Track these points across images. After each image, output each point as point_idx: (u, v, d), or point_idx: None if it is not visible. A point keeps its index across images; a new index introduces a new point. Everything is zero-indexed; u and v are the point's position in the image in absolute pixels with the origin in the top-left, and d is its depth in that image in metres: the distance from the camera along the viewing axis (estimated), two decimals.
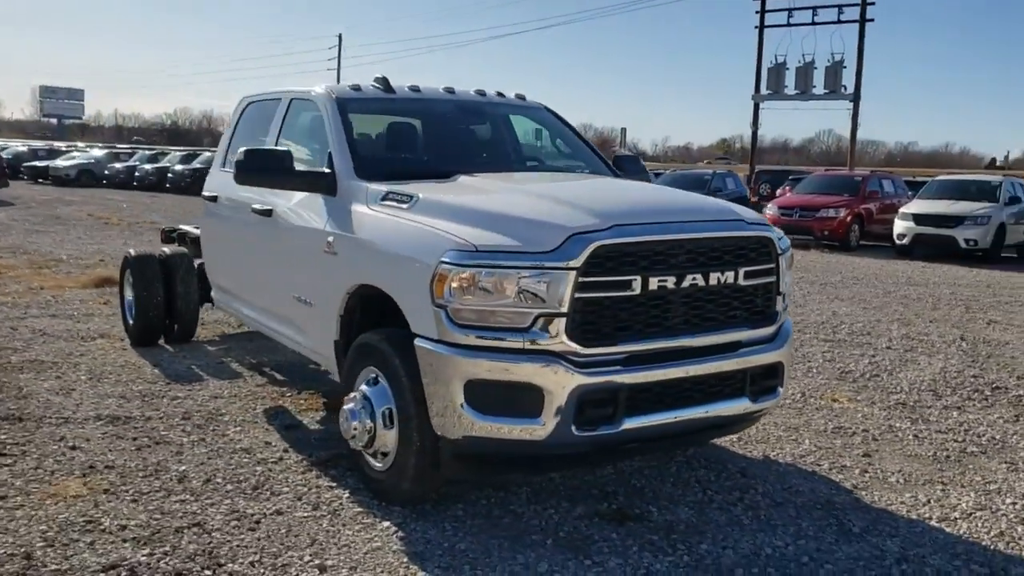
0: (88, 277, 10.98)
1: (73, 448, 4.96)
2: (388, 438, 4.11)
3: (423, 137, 5.34)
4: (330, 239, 4.53)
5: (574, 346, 3.65)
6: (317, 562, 3.65)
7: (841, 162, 51.13)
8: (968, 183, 19.91)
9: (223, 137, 6.36)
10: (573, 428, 3.67)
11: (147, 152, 45.19)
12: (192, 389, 6.18)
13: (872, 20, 39.82)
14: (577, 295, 3.62)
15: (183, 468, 4.68)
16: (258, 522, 4.03)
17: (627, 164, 5.78)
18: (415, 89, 5.50)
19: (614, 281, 3.70)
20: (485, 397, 3.67)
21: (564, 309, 3.62)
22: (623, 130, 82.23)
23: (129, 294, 7.67)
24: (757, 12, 41.66)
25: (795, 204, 20.17)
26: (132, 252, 7.72)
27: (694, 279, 3.85)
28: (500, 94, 5.76)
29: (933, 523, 4.24)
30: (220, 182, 6.10)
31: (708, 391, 4.00)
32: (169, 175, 35.64)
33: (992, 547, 4.00)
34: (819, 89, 40.61)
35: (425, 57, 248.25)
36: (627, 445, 3.92)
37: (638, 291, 3.74)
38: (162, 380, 6.41)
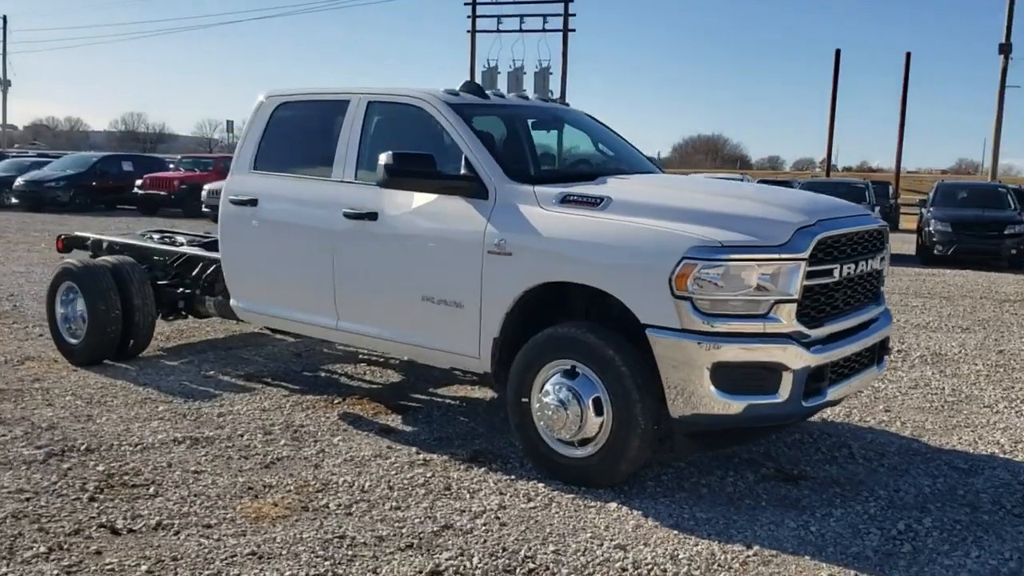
0: None
1: (198, 472, 4.66)
2: (594, 425, 4.38)
3: (533, 142, 5.53)
4: (499, 240, 4.66)
5: (802, 328, 4.19)
6: (616, 541, 3.87)
7: None
8: None
9: (248, 139, 6.01)
10: (802, 401, 4.20)
11: None
12: (225, 404, 5.86)
13: (574, 30, 42.80)
14: (804, 282, 4.16)
15: (350, 479, 4.59)
16: (498, 518, 4.13)
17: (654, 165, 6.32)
18: (500, 95, 5.66)
19: (824, 269, 4.29)
20: (731, 378, 4.10)
21: (795, 295, 4.14)
22: None
23: (64, 309, 7.00)
24: (469, 17, 43.49)
25: None
26: (76, 262, 7.02)
27: (863, 265, 4.53)
28: (557, 100, 6.07)
29: (990, 452, 5.23)
30: (260, 185, 5.81)
31: (862, 362, 4.70)
32: None
33: None
34: (530, 93, 42.93)
35: (110, 46, 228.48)
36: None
37: (837, 277, 4.35)
38: (178, 398, 6.00)
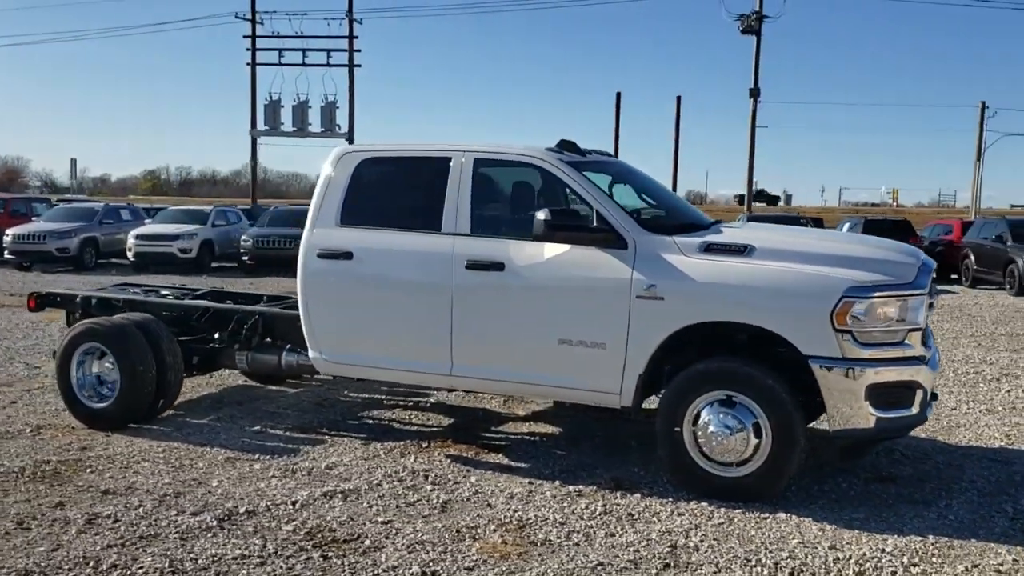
0: None
1: (387, 522, 4.80)
2: (752, 447, 5.02)
3: (635, 195, 6.04)
4: (649, 286, 5.18)
5: (923, 352, 5.06)
6: (826, 543, 4.51)
7: None
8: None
9: (330, 194, 6.03)
10: (925, 412, 5.07)
11: None
12: (320, 457, 5.93)
13: (360, 66, 43.31)
14: (926, 313, 5.04)
15: (538, 513, 4.91)
16: (708, 535, 4.65)
17: None
18: (589, 151, 6.16)
19: (930, 302, 5.19)
20: (881, 396, 4.88)
21: (921, 324, 5.01)
22: (73, 160, 76.21)
23: (79, 373, 6.68)
24: (248, 49, 42.94)
25: None
26: (101, 322, 6.72)
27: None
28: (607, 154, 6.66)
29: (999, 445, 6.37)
30: (354, 239, 5.91)
31: None
32: None
33: None
34: (316, 127, 43.12)
35: None
36: None
37: (934, 307, 5.27)
38: (263, 455, 5.96)
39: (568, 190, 5.62)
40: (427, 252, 5.75)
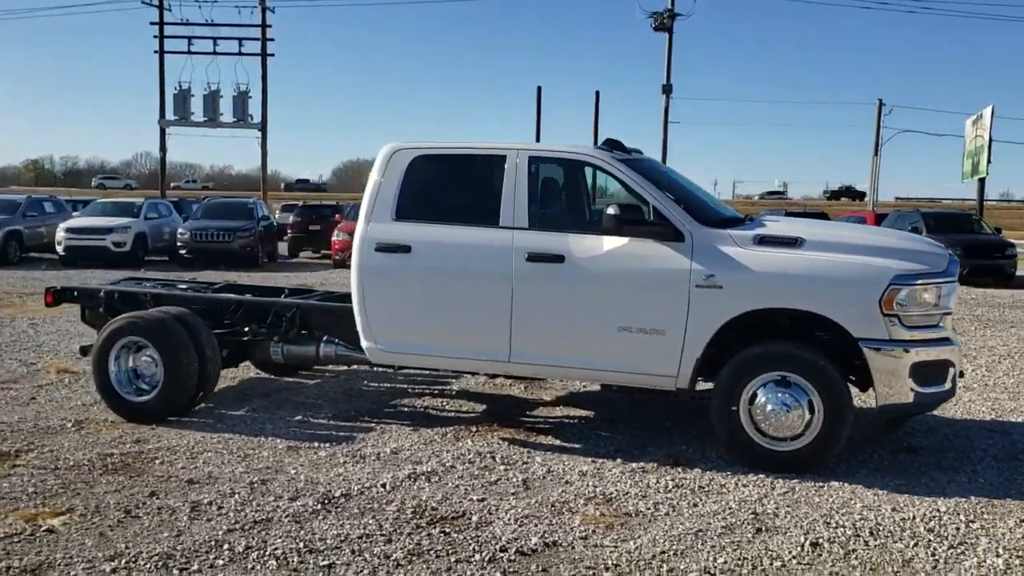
0: None
1: (483, 500, 5.09)
2: (806, 422, 5.50)
3: (680, 191, 6.39)
4: (709, 276, 5.60)
5: (952, 333, 5.62)
6: (889, 506, 5.00)
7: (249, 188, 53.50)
8: None
9: (383, 190, 6.26)
10: (955, 387, 5.64)
11: None
12: (380, 443, 6.14)
13: (273, 55, 42.70)
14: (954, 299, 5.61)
15: (619, 488, 5.27)
16: (782, 504, 5.10)
17: None
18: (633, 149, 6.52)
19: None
20: (922, 374, 5.42)
21: (951, 309, 5.58)
22: None
23: (117, 367, 6.72)
24: (156, 37, 41.94)
25: None
26: (141, 316, 6.77)
27: None
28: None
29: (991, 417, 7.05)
30: (412, 233, 6.11)
31: None
32: None
33: None
34: (227, 117, 42.43)
35: None
36: None
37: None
38: (323, 443, 6.13)
39: (623, 186, 5.96)
40: (487, 245, 6.02)
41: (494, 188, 6.11)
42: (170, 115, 41.55)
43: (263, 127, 42.63)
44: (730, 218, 6.19)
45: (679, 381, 5.76)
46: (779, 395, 5.49)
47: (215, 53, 41.93)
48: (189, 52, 41.86)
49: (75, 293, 7.69)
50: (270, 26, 42.41)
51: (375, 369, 8.05)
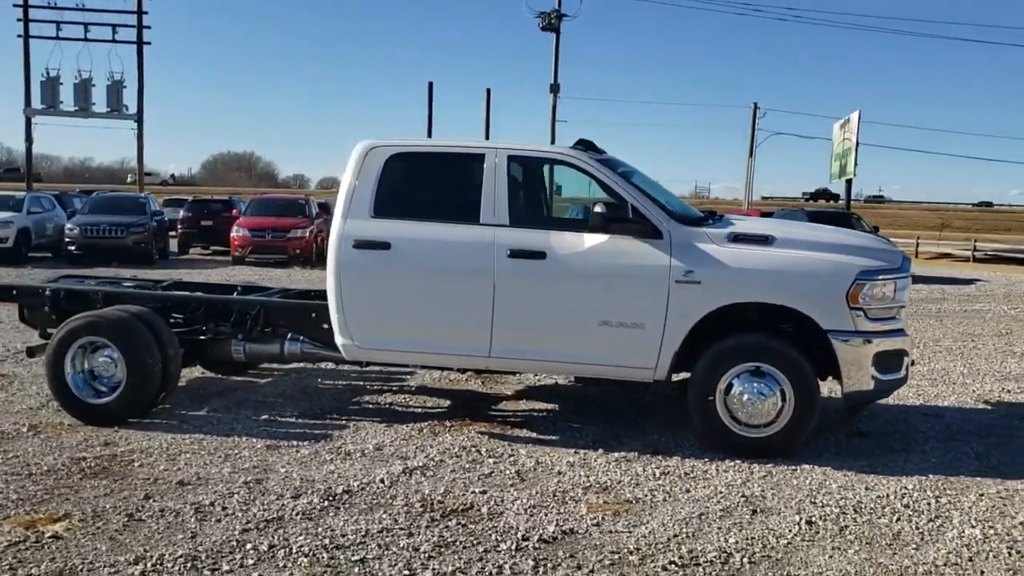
0: None
1: (484, 491, 5.21)
2: (778, 410, 5.85)
3: (652, 190, 6.60)
4: (688, 272, 5.86)
5: (904, 325, 6.09)
6: (862, 486, 5.39)
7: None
8: None
9: (360, 187, 6.25)
10: (907, 375, 6.10)
11: None
12: (358, 440, 6.16)
13: (149, 43, 41.33)
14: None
15: (611, 477, 5.49)
16: (767, 486, 5.42)
17: None
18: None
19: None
20: (883, 363, 5.84)
21: (905, 303, 6.03)
22: None
23: (73, 368, 6.50)
24: (20, 20, 39.98)
25: (265, 225, 21.48)
26: (103, 314, 6.56)
27: None
28: None
29: (921, 402, 7.61)
30: (391, 230, 6.13)
31: None
32: None
33: None
34: (101, 107, 40.85)
35: None
36: None
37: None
38: (302, 441, 6.10)
39: (601, 186, 6.16)
40: (469, 242, 6.11)
41: (473, 186, 6.20)
42: (37, 104, 39.54)
43: (139, 118, 41.10)
44: (700, 216, 6.48)
45: (657, 373, 6.01)
46: (754, 384, 5.81)
47: (86, 40, 40.25)
48: (58, 38, 40.02)
49: (14, 291, 7.35)
50: (146, 13, 40.86)
51: (327, 367, 8.04)
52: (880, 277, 5.80)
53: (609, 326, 5.97)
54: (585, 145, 6.51)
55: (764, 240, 5.98)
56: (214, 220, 24.80)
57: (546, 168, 6.59)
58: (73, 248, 20.40)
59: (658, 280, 5.88)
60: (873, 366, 5.78)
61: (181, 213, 26.05)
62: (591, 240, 6.00)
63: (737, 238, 5.99)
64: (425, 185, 6.44)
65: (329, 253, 6.30)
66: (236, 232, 21.18)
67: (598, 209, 5.83)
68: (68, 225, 20.78)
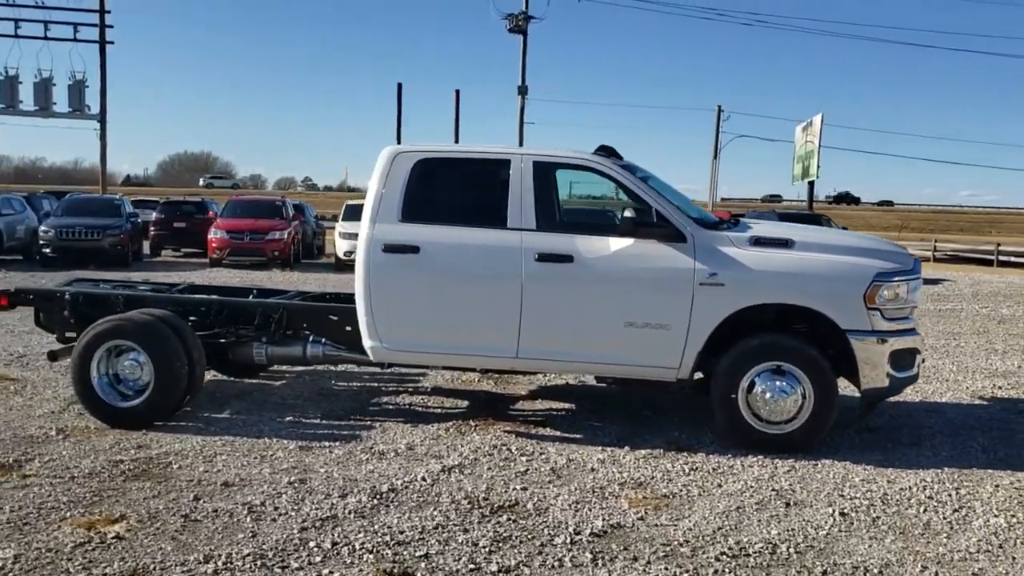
0: None
1: (525, 488, 5.36)
2: (799, 407, 6.08)
3: (672, 196, 6.78)
4: (712, 274, 6.06)
5: (915, 324, 6.36)
6: (886, 479, 5.62)
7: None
8: None
9: (388, 192, 6.35)
10: (919, 372, 6.36)
11: None
12: (387, 441, 6.26)
13: (112, 43, 40.92)
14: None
15: (644, 473, 5.67)
16: (795, 480, 5.63)
17: None
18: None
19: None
20: (898, 361, 6.09)
21: (916, 303, 6.30)
22: None
23: (98, 372, 6.53)
24: None
25: (243, 227, 21.38)
26: (129, 318, 6.60)
27: None
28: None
29: (920, 399, 7.90)
30: (420, 234, 6.26)
31: None
32: None
33: None
34: (62, 107, 40.36)
35: None
36: None
37: None
38: (334, 442, 6.19)
39: (625, 191, 6.35)
40: (496, 246, 6.26)
41: (500, 191, 6.35)
42: None
43: (103, 119, 40.64)
44: (716, 220, 6.68)
45: (680, 372, 6.20)
46: (776, 383, 6.02)
47: (47, 38, 39.68)
48: (16, 36, 39.40)
49: (31, 296, 7.35)
50: (109, 12, 40.42)
51: (339, 369, 8.14)
52: (895, 279, 6.05)
53: (635, 327, 6.15)
54: (607, 151, 6.69)
55: (784, 244, 6.19)
56: (187, 222, 24.64)
57: (570, 174, 6.74)
58: (48, 251, 20.15)
59: (683, 282, 6.07)
60: (889, 364, 6.02)
61: (153, 215, 25.81)
62: (617, 244, 6.18)
63: (758, 241, 6.20)
64: (452, 190, 6.57)
65: (358, 257, 6.41)
66: (214, 234, 21.07)
67: (628, 214, 6.01)
68: (43, 227, 20.52)
